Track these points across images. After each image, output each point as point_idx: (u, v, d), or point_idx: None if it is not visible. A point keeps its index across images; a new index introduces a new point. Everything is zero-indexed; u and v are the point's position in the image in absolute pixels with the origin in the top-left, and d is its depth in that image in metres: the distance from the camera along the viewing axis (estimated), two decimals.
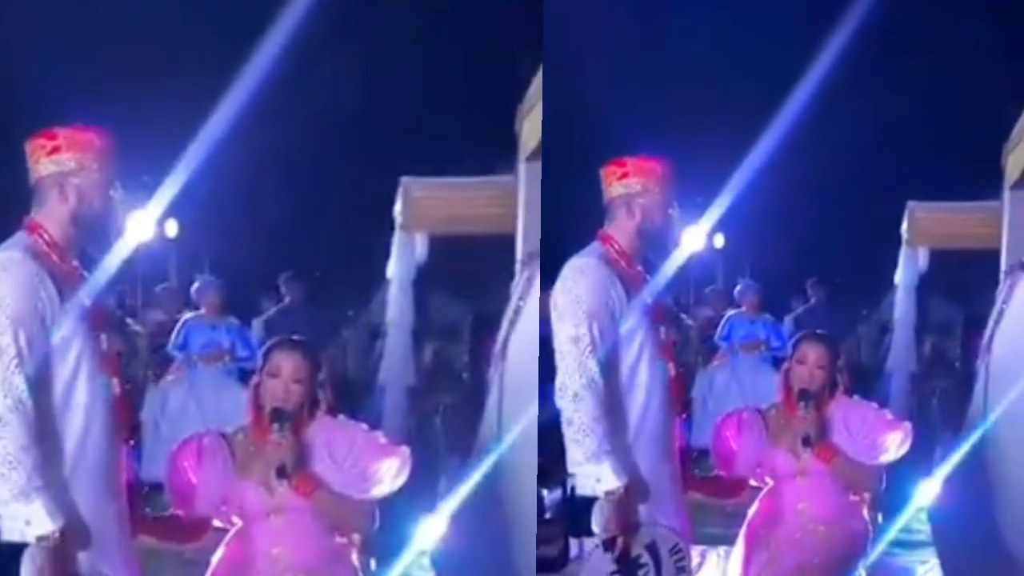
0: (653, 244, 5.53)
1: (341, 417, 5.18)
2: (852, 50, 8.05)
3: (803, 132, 8.14)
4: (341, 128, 7.82)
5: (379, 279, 8.66)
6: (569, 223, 6.32)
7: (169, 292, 9.51)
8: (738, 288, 10.02)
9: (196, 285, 9.24)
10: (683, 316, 6.65)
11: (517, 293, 7.00)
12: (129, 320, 5.81)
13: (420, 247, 8.63)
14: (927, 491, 6.88)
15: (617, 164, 5.52)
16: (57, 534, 4.47)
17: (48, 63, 6.98)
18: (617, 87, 8.28)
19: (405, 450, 5.06)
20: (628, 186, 5.49)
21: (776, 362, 9.58)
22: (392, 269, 8.74)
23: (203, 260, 9.47)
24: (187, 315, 9.14)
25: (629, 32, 8.24)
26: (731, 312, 9.97)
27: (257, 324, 8.88)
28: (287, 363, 5.05)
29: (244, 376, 8.89)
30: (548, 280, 5.40)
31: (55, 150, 4.74)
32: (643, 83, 8.19)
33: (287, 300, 9.16)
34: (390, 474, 5.04)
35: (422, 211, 8.26)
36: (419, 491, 5.03)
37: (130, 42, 7.19)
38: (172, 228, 9.24)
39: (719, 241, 9.31)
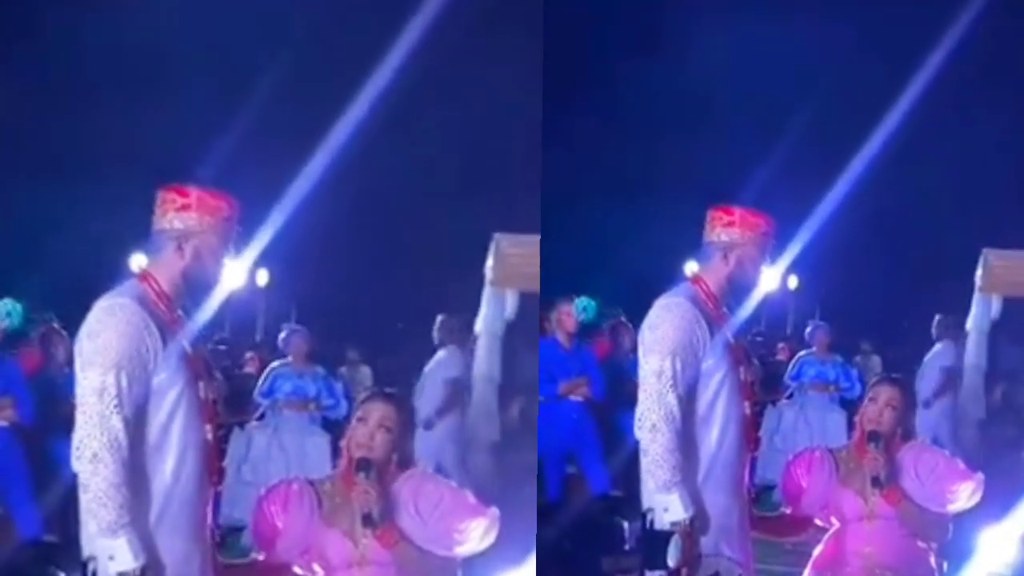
0: (739, 293, 5.62)
1: (430, 472, 5.22)
2: (930, 97, 8.08)
3: (879, 177, 8.19)
4: (431, 184, 7.89)
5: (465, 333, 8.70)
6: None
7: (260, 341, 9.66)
8: (809, 329, 10.09)
9: (283, 334, 9.39)
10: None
11: None
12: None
13: (510, 303, 8.78)
14: (998, 544, 6.87)
15: (724, 211, 5.57)
16: (138, 571, 4.52)
17: (162, 117, 7.13)
18: (692, 130, 8.36)
19: (494, 511, 5.05)
20: (730, 234, 5.55)
21: (845, 403, 9.65)
22: (480, 324, 8.85)
23: (290, 309, 9.61)
24: (274, 363, 9.29)
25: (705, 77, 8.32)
26: (802, 353, 10.03)
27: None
28: (376, 411, 5.11)
29: (328, 425, 9.03)
30: (639, 318, 5.52)
31: (185, 207, 4.77)
32: (722, 129, 8.27)
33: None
34: (477, 534, 5.02)
35: (513, 267, 8.35)
36: (500, 546, 5.07)
37: (229, 103, 7.37)
38: (262, 277, 9.38)
39: (792, 282, 9.41)
